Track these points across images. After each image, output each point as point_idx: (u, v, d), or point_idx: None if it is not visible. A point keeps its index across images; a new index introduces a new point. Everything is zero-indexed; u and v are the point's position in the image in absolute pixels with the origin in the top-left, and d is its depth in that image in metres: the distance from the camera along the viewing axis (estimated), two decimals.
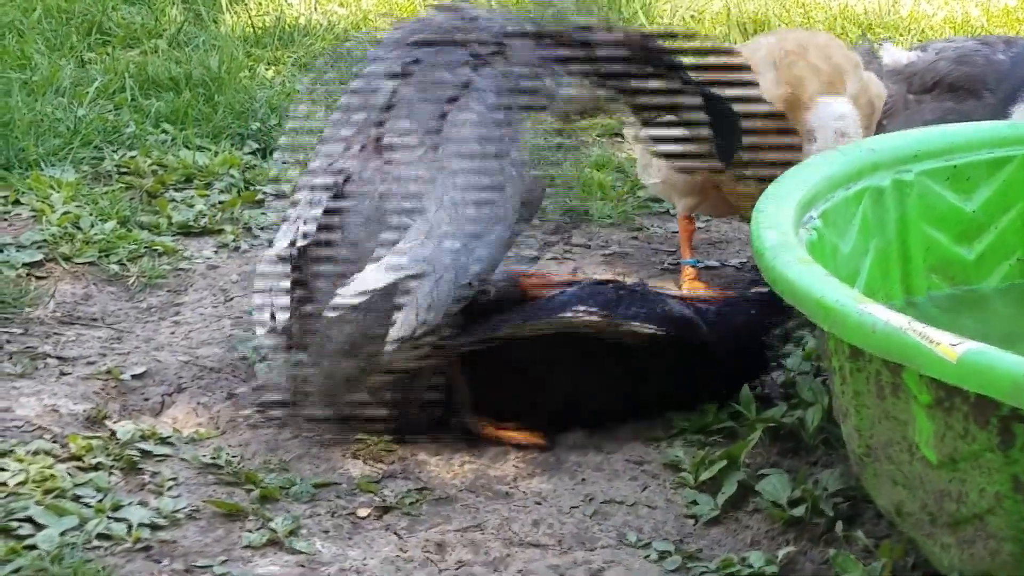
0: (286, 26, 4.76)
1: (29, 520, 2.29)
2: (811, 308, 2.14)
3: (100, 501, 2.36)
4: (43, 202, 3.44)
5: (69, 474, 2.42)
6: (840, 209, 2.53)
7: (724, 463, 2.49)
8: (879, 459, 2.17)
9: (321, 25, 4.81)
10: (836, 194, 2.53)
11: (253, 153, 3.88)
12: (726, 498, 2.45)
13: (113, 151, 3.77)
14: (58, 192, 3.48)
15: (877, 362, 2.09)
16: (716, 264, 3.49)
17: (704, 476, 2.49)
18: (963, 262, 2.71)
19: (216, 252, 3.36)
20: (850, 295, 2.10)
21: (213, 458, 2.52)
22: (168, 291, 3.17)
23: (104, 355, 2.84)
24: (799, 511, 2.39)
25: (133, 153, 3.78)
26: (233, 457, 2.53)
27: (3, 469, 2.41)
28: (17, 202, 3.48)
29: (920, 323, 1.99)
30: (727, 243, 3.64)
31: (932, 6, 5.05)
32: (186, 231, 3.44)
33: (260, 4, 4.90)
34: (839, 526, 2.35)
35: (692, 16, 5.09)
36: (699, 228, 3.64)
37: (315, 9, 4.91)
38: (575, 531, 2.40)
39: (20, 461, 2.44)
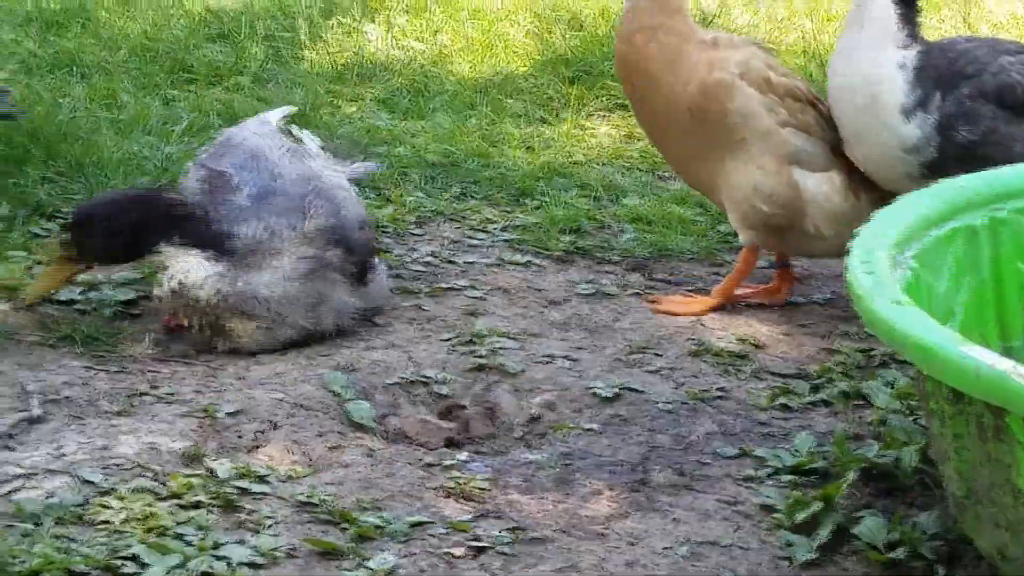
0: (365, 62, 4.81)
1: (133, 558, 2.32)
2: (911, 351, 2.13)
3: (201, 539, 2.39)
4: None
5: (170, 512, 2.46)
6: (934, 249, 2.52)
7: (820, 504, 2.48)
8: (981, 502, 2.15)
9: (399, 60, 4.85)
10: (930, 233, 2.53)
11: None
12: (822, 540, 2.44)
13: None
14: None
15: (979, 405, 2.08)
16: (801, 299, 3.48)
17: (800, 517, 2.48)
18: None
19: None
20: (952, 339, 2.09)
21: (309, 496, 2.54)
22: None
23: (199, 392, 2.88)
24: (898, 554, 2.38)
25: None
26: (328, 495, 2.56)
27: (106, 507, 2.45)
28: None
29: None
30: (812, 278, 3.63)
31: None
32: None
33: (339, 41, 4.95)
34: (939, 570, 2.33)
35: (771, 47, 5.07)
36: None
37: (393, 45, 4.95)
38: (670, 572, 2.40)
39: (122, 499, 2.48)
